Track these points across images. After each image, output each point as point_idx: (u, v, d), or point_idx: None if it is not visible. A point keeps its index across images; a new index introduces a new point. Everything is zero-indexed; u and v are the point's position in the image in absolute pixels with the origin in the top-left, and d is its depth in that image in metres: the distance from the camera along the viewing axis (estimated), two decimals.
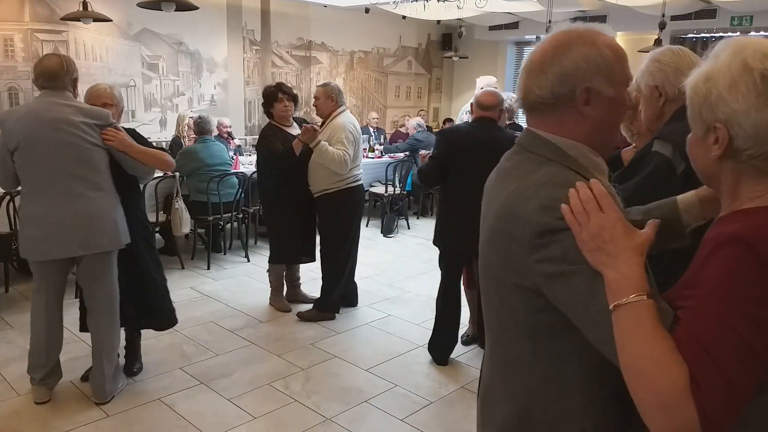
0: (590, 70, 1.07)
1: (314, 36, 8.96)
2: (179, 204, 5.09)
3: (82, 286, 3.07)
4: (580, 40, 1.09)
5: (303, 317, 4.24)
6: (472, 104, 3.60)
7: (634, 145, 2.08)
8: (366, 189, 5.46)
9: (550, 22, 6.35)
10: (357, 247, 4.35)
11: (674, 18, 7.26)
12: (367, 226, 6.85)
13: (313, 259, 4.42)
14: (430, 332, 3.71)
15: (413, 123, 8.10)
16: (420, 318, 4.31)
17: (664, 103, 1.75)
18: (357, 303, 4.54)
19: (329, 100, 4.14)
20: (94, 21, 5.26)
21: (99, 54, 6.92)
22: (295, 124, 4.29)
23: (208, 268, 5.37)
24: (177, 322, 3.41)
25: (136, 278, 3.14)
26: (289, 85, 4.53)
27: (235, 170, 5.69)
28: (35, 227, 2.80)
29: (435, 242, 3.58)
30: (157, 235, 5.50)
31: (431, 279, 4.66)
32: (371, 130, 8.51)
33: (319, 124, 4.27)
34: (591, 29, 1.11)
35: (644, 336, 0.91)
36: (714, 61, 0.98)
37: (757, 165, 0.96)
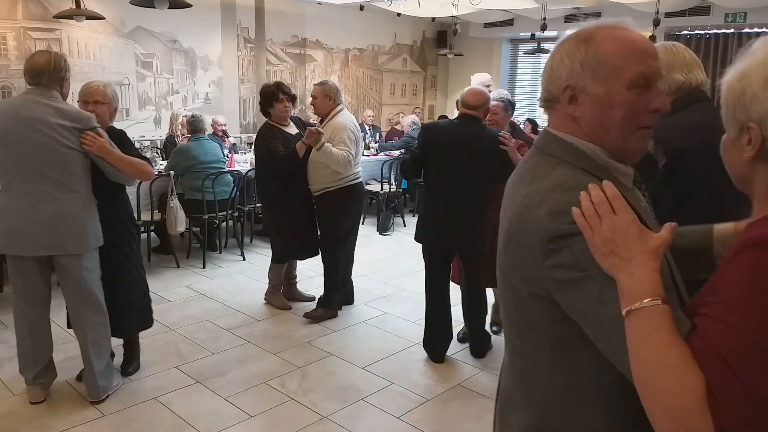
0: (573, 68, 1.04)
1: (309, 33, 8.94)
2: (174, 202, 5.07)
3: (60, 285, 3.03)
4: (575, 36, 1.06)
5: (311, 317, 4.19)
6: (457, 101, 3.61)
7: None
8: None
9: (544, 19, 6.35)
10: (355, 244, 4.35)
11: (668, 15, 7.28)
12: (362, 224, 6.82)
13: (316, 254, 4.39)
14: None
15: (408, 120, 8.11)
16: (416, 316, 4.30)
17: None
18: (353, 301, 4.54)
19: (327, 98, 4.12)
20: (87, 19, 5.22)
21: (92, 52, 6.88)
22: (291, 123, 4.27)
23: (204, 267, 5.36)
24: (151, 325, 3.37)
25: (106, 280, 3.08)
26: (284, 82, 4.51)
27: (229, 168, 5.68)
28: (8, 220, 2.78)
29: (416, 237, 3.58)
30: (153, 234, 5.50)
31: None
32: (367, 127, 8.51)
33: (317, 123, 4.25)
34: (604, 25, 1.07)
35: (658, 342, 0.85)
36: (749, 58, 0.93)
37: None
